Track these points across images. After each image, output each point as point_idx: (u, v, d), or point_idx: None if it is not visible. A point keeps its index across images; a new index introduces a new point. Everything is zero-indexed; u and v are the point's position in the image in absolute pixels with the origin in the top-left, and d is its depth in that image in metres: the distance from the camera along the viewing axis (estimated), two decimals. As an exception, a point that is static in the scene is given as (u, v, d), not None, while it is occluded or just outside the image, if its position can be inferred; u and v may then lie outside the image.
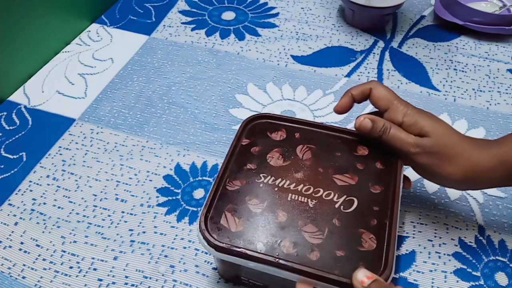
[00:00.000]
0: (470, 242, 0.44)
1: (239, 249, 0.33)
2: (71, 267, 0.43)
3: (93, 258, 0.43)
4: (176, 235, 0.45)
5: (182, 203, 0.48)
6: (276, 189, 0.37)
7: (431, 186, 0.49)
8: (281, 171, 0.38)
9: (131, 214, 0.47)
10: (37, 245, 0.44)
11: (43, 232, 0.45)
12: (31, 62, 0.63)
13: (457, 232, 0.45)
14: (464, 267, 0.43)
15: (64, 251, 0.44)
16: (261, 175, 0.38)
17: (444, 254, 0.43)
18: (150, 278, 0.42)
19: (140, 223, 0.46)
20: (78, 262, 0.43)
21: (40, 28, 0.62)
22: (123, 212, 0.47)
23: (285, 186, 0.37)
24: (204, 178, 0.50)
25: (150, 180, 0.50)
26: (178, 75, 0.63)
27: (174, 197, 0.49)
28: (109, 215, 0.47)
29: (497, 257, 0.43)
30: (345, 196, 0.36)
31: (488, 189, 0.46)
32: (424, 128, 0.36)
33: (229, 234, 0.34)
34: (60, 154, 0.53)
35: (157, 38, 0.70)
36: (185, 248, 0.44)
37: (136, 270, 0.42)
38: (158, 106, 0.59)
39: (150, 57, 0.66)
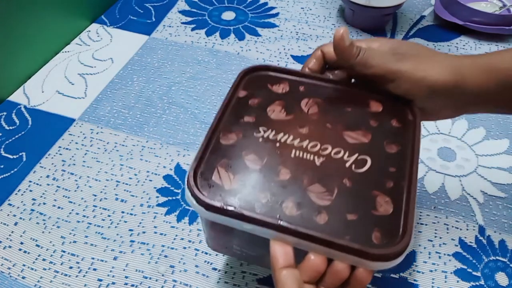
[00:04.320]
0: (470, 242, 0.44)
1: (233, 209, 0.28)
2: (71, 267, 0.43)
3: (93, 258, 0.43)
4: (176, 235, 0.45)
5: (182, 203, 0.48)
6: (277, 144, 0.32)
7: (431, 186, 0.49)
8: (283, 125, 0.34)
9: (131, 214, 0.47)
10: (37, 245, 0.44)
11: (43, 232, 0.45)
12: (31, 62, 0.63)
13: (457, 232, 0.45)
14: (464, 267, 0.43)
15: (64, 251, 0.44)
16: (260, 128, 0.33)
17: (444, 254, 0.43)
18: (150, 278, 0.42)
19: (140, 223, 0.46)
20: (78, 262, 0.43)
21: (40, 28, 0.62)
22: (123, 212, 0.47)
23: (288, 141, 0.33)
24: (204, 178, 0.50)
25: (150, 180, 0.50)
26: (178, 75, 0.63)
27: (174, 197, 0.49)
28: (109, 215, 0.47)
29: (497, 257, 0.43)
30: (357, 155, 0.32)
31: (480, 112, 0.38)
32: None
33: (222, 192, 0.29)
34: (60, 154, 0.53)
35: (157, 38, 0.70)
36: (185, 248, 0.44)
37: (136, 270, 0.42)
38: (158, 106, 0.59)
39: (150, 57, 0.66)
